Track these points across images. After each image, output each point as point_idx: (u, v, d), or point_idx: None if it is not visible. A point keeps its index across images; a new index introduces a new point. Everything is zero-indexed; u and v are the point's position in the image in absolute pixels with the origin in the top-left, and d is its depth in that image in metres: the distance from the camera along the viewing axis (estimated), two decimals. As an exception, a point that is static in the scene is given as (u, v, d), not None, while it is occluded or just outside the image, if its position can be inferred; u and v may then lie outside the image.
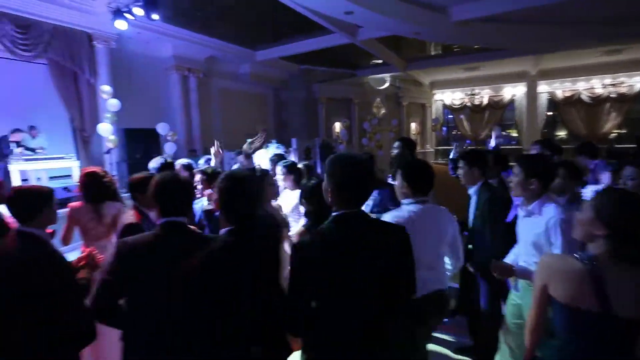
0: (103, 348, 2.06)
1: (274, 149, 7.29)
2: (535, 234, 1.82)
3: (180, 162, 3.76)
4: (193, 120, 9.40)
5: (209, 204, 2.71)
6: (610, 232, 1.17)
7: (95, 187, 2.44)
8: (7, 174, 5.75)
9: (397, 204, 2.03)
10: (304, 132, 11.56)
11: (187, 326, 1.31)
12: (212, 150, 3.57)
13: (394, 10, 6.52)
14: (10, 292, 1.50)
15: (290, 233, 2.43)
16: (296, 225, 2.72)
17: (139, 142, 7.85)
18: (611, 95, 12.41)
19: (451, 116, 16.29)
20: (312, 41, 9.22)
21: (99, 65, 7.06)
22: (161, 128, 7.97)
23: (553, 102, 13.73)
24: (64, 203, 2.85)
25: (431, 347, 2.63)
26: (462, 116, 15.60)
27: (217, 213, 2.77)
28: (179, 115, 9.07)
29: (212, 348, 1.30)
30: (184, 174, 3.24)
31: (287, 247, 1.97)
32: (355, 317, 1.24)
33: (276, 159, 3.87)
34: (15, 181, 5.71)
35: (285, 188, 3.22)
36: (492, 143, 3.64)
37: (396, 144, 3.42)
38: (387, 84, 14.08)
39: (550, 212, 1.77)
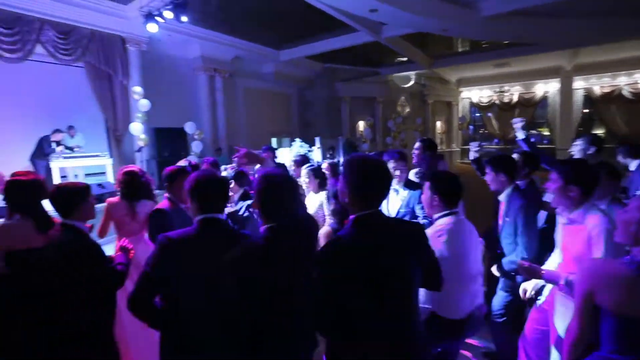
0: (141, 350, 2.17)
1: (297, 147, 7.35)
2: (577, 244, 1.70)
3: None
4: (219, 120, 9.63)
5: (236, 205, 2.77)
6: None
7: (132, 186, 2.57)
8: (48, 171, 6.13)
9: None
10: (327, 131, 11.57)
11: (224, 323, 1.32)
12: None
13: (420, 7, 6.38)
14: (57, 278, 1.62)
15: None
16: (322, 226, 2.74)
17: (167, 140, 8.15)
18: (656, 91, 11.64)
19: (478, 114, 15.80)
20: (336, 40, 9.23)
21: (131, 67, 7.39)
22: (189, 127, 8.22)
23: (589, 99, 13.01)
24: (98, 199, 3.00)
25: (458, 351, 2.57)
26: (490, 114, 15.10)
27: (240, 213, 2.83)
28: (205, 115, 9.31)
29: (251, 346, 1.31)
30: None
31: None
32: (384, 317, 1.23)
33: (300, 160, 3.89)
34: (55, 178, 6.08)
35: (309, 190, 3.26)
36: (521, 135, 3.36)
37: (416, 144, 3.34)
38: (412, 82, 13.84)
39: (595, 221, 1.64)
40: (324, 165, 3.77)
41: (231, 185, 3.11)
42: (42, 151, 6.34)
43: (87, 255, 1.72)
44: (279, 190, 1.36)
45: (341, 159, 5.32)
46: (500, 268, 2.30)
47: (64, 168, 6.34)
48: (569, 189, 1.69)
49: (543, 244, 2.21)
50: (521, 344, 2.08)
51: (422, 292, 1.66)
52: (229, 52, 9.33)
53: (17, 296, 1.62)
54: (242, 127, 10.37)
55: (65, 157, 6.36)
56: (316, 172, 3.26)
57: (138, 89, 7.06)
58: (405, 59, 11.53)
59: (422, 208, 2.47)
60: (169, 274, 1.35)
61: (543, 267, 1.85)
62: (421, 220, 2.48)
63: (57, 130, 6.60)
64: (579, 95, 13.11)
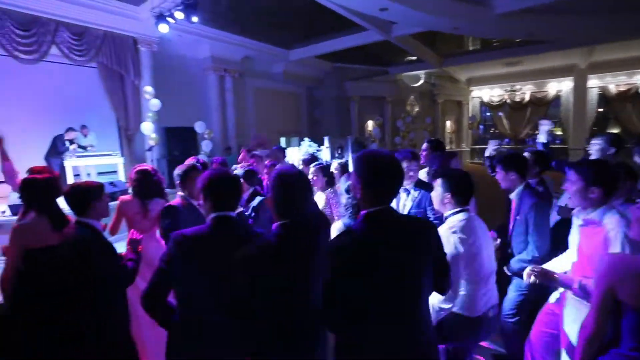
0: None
1: (306, 146, 7.35)
2: (594, 246, 1.66)
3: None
4: (228, 119, 9.69)
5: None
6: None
7: (145, 184, 2.61)
8: (62, 169, 6.25)
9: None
10: (336, 130, 11.55)
11: (236, 320, 1.33)
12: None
13: (432, 5, 6.30)
14: (72, 276, 1.65)
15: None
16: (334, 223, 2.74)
17: (177, 139, 8.22)
18: (674, 90, 11.32)
19: (489, 114, 15.59)
20: (345, 39, 9.19)
21: (142, 67, 7.49)
22: (198, 126, 8.30)
23: (604, 98, 12.72)
24: (110, 197, 3.04)
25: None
26: (500, 114, 14.88)
27: (247, 212, 2.84)
28: (215, 114, 9.38)
29: (263, 344, 1.31)
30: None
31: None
32: (391, 314, 1.23)
33: (309, 159, 3.93)
34: (69, 176, 6.20)
35: (317, 189, 3.27)
36: (542, 138, 3.29)
37: (423, 145, 3.32)
38: (421, 81, 13.73)
39: (613, 223, 1.60)
40: (334, 165, 3.77)
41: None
42: (56, 150, 6.47)
43: (101, 253, 1.75)
44: (292, 189, 1.37)
45: (349, 159, 5.32)
46: (512, 268, 2.27)
47: (77, 166, 6.46)
48: (590, 190, 1.65)
49: (553, 243, 2.18)
50: (527, 348, 2.04)
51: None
52: (239, 52, 9.39)
53: (31, 294, 1.64)
54: (251, 127, 10.42)
55: (78, 156, 6.49)
56: (324, 170, 3.28)
57: (149, 88, 7.15)
58: (414, 57, 11.42)
59: (433, 209, 2.45)
60: (183, 271, 1.37)
61: (556, 271, 1.81)
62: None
63: (70, 129, 6.73)
64: (593, 94, 12.84)
